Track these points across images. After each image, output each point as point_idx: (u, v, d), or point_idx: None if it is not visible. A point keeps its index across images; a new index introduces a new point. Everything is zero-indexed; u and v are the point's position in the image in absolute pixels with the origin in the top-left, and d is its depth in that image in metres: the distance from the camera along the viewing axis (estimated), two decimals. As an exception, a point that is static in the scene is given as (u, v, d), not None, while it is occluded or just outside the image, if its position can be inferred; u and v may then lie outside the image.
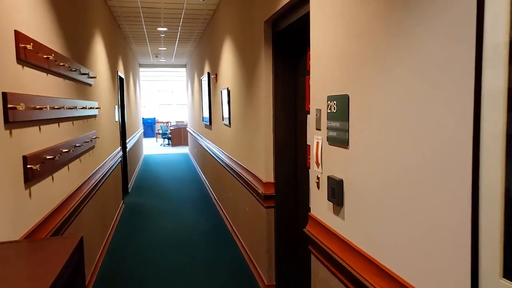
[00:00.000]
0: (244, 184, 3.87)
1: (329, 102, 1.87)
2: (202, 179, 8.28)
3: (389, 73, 1.38)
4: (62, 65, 2.70)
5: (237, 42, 4.22)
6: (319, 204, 2.06)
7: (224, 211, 5.48)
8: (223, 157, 5.18)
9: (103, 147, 4.60)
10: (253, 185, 3.42)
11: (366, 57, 1.53)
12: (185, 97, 13.40)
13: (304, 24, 2.51)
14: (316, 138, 2.05)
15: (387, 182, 1.41)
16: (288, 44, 2.96)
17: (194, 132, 9.75)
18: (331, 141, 1.86)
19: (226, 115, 4.91)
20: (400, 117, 1.32)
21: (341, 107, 1.75)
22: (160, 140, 18.01)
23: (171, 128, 16.69)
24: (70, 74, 2.95)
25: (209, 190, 7.15)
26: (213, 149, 6.21)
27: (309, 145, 2.73)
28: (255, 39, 3.33)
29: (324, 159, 1.97)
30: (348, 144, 1.71)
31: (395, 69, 1.34)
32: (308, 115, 2.74)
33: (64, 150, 2.69)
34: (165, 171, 9.84)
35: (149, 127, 19.91)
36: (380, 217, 1.47)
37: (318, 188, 2.06)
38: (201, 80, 7.78)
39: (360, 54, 1.57)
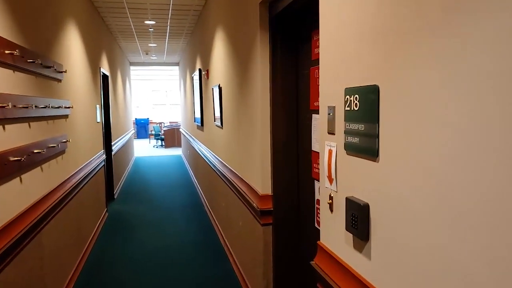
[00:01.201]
0: (238, 195, 3.37)
1: (347, 96, 1.37)
2: (195, 184, 7.77)
3: (449, 53, 0.88)
4: (10, 53, 2.18)
5: (230, 31, 3.71)
6: (332, 233, 1.55)
7: (216, 221, 4.96)
8: (215, 161, 4.67)
9: (79, 151, 4.08)
10: (247, 197, 2.91)
11: (412, 30, 1.03)
12: (179, 96, 12.88)
13: (307, 1, 2.01)
14: (328, 145, 1.55)
15: (448, 218, 0.91)
16: (289, 29, 2.46)
17: (187, 134, 9.23)
18: (351, 149, 1.36)
19: (217, 115, 4.40)
20: (468, 123, 0.82)
21: (366, 104, 1.25)
22: (153, 141, 17.46)
23: (164, 129, 16.15)
24: (25, 66, 2.43)
25: (201, 196, 6.63)
26: (205, 152, 5.70)
27: (315, 152, 2.23)
28: (250, 25, 2.83)
29: (340, 174, 1.47)
30: (377, 155, 1.21)
31: (459, 48, 0.84)
32: (314, 115, 2.24)
33: (13, 159, 2.17)
34: (155, 175, 9.31)
35: (142, 127, 19.39)
36: (431, 271, 0.97)
37: (332, 211, 1.56)
38: (192, 77, 7.26)
39: (401, 26, 1.07)
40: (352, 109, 1.34)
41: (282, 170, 2.54)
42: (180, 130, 11.81)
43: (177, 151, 13.97)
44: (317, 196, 2.26)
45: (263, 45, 2.57)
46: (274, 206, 2.59)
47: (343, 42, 1.40)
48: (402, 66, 1.07)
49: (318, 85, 2.18)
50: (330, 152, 1.54)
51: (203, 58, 5.85)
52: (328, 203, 1.56)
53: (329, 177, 1.55)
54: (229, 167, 3.81)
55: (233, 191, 3.56)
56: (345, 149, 1.41)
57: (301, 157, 2.48)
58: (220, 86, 4.22)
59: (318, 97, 2.20)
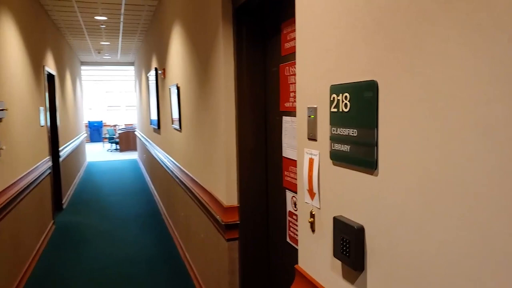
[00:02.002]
0: (199, 205, 3.07)
1: (334, 95, 1.14)
2: (152, 191, 7.34)
3: (487, 36, 0.66)
4: None
5: (189, 25, 3.41)
6: (314, 257, 1.31)
7: (175, 232, 4.62)
8: (173, 167, 4.34)
9: (18, 159, 3.61)
10: (210, 209, 2.62)
11: (426, 8, 0.80)
12: (135, 98, 12.29)
13: (279, -11, 1.78)
14: (308, 153, 1.31)
15: (473, 245, 0.69)
16: (255, 21, 2.21)
17: (143, 137, 8.75)
18: (340, 159, 1.13)
19: (176, 117, 4.07)
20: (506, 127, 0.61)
21: (360, 104, 1.02)
22: (108, 145, 16.64)
23: (119, 132, 15.40)
24: None
25: (159, 204, 6.24)
26: (162, 157, 5.33)
27: (287, 158, 1.99)
28: (211, 18, 2.55)
29: (324, 188, 1.23)
30: (375, 168, 0.98)
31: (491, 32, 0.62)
32: (284, 117, 2.01)
33: None
34: (109, 181, 8.75)
35: (96, 131, 18.47)
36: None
37: (313, 231, 1.32)
38: (148, 77, 6.85)
39: (413, 2, 0.85)
40: (341, 110, 1.10)
41: (249, 179, 2.29)
42: (136, 133, 11.25)
43: (132, 155, 13.35)
44: (289, 208, 2.03)
45: (227, 40, 2.30)
46: (241, 219, 2.33)
47: (329, 29, 1.16)
48: (411, 55, 0.85)
49: (290, 83, 1.96)
50: (311, 161, 1.30)
51: (160, 56, 5.49)
52: (309, 221, 1.32)
53: (310, 191, 1.31)
54: (189, 174, 3.50)
55: (194, 201, 3.25)
56: (331, 159, 1.18)
57: (270, 164, 2.23)
58: (178, 85, 3.90)
59: (289, 97, 1.97)
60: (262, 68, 2.23)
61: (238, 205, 2.34)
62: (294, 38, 1.87)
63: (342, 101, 1.10)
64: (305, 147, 1.33)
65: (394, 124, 0.91)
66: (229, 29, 2.30)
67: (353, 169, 1.08)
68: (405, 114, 0.87)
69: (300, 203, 1.40)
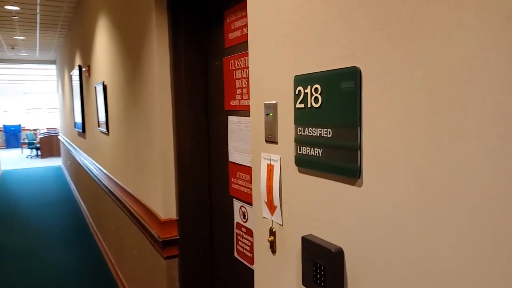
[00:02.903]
0: (132, 218, 2.72)
1: (300, 88, 0.93)
2: (78, 201, 6.69)
3: None
4: None
5: (116, 16, 3.04)
6: (276, 284, 1.09)
7: (105, 247, 4.17)
8: (101, 175, 3.90)
9: None
10: (144, 224, 2.30)
11: (432, -35, 0.62)
12: (57, 99, 11.28)
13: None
14: (266, 158, 1.09)
15: (485, 275, 0.52)
16: (194, 9, 1.95)
17: (67, 142, 7.99)
18: (309, 166, 0.92)
19: (102, 119, 3.65)
20: None
21: (335, 97, 0.82)
22: (27, 151, 15.18)
23: (40, 136, 14.09)
24: None
25: (86, 216, 5.67)
26: (88, 164, 4.81)
27: (234, 163, 1.76)
28: (142, 8, 2.24)
29: (288, 200, 1.02)
30: (359, 176, 0.78)
31: None
32: (230, 117, 1.77)
33: None
34: (29, 192, 7.87)
35: (13, 135, 16.83)
36: None
37: (274, 252, 1.10)
38: (71, 76, 6.22)
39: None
40: (310, 106, 0.90)
41: (190, 188, 2.02)
42: (60, 137, 10.31)
43: (56, 162, 12.26)
44: (237, 219, 1.80)
45: (161, 30, 2.01)
46: (181, 234, 2.05)
47: (292, 4, 0.95)
48: (407, 32, 0.66)
49: (236, 79, 1.72)
50: (270, 168, 1.08)
51: (84, 52, 4.97)
52: (269, 240, 1.10)
53: (270, 204, 1.09)
54: (119, 183, 3.13)
55: (126, 213, 2.89)
56: (296, 165, 0.96)
57: (214, 171, 1.98)
58: (105, 84, 3.49)
59: (236, 94, 1.74)
60: (203, 63, 1.97)
61: (177, 218, 2.06)
62: (240, 28, 1.65)
63: (311, 95, 0.89)
64: (262, 151, 1.11)
65: (382, 121, 0.72)
66: (164, 19, 2.01)
67: (327, 178, 0.87)
68: (397, 108, 0.69)
69: (256, 218, 1.17)
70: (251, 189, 1.63)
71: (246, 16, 1.61)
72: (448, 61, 0.60)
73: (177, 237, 2.05)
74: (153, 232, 2.12)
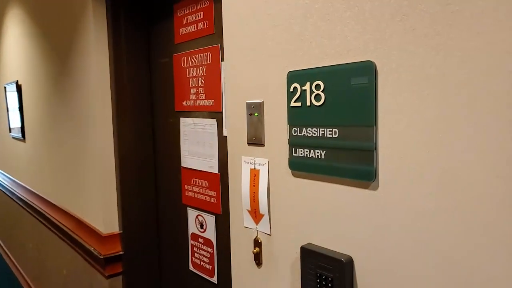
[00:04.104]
0: (59, 234, 2.41)
1: (295, 85, 0.85)
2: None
3: None
4: None
5: (34, 7, 2.69)
6: (264, 299, 1.00)
7: (21, 270, 3.67)
8: (13, 187, 3.42)
9: None
10: (79, 239, 2.04)
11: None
12: None
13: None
14: (248, 163, 1.00)
15: None
16: (138, 2, 1.78)
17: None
18: (306, 169, 0.85)
19: (16, 124, 3.21)
20: None
21: (343, 95, 0.76)
22: None
23: None
24: None
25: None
26: (-6, 175, 4.22)
27: (187, 168, 1.63)
28: (71, -5, 1.99)
29: (279, 207, 0.93)
30: (374, 178, 0.73)
31: None
32: (182, 119, 1.64)
33: None
34: None
35: None
36: None
37: (259, 264, 1.00)
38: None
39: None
40: (309, 104, 0.83)
41: (134, 198, 1.83)
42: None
43: None
44: (192, 229, 1.66)
45: (99, 23, 1.80)
46: (125, 249, 1.85)
47: (283, -2, 0.87)
48: (431, 22, 0.62)
49: (190, 77, 1.59)
50: (254, 173, 0.98)
51: (-13, 48, 4.35)
52: (254, 252, 1.00)
53: (254, 212, 1.00)
54: (40, 195, 2.76)
55: (52, 230, 2.56)
56: (291, 169, 0.89)
57: (163, 177, 1.82)
58: (19, 83, 3.07)
59: (190, 94, 1.61)
60: (147, 60, 1.80)
61: (121, 232, 1.86)
62: (195, 22, 1.53)
63: (311, 92, 0.82)
64: (243, 155, 1.01)
65: (403, 120, 0.68)
66: (102, 12, 1.80)
67: (331, 182, 0.81)
68: (421, 106, 0.65)
69: (235, 229, 1.07)
70: (211, 196, 1.52)
71: (201, 10, 1.50)
72: (485, 55, 0.57)
73: (121, 252, 1.84)
74: (91, 249, 1.88)
